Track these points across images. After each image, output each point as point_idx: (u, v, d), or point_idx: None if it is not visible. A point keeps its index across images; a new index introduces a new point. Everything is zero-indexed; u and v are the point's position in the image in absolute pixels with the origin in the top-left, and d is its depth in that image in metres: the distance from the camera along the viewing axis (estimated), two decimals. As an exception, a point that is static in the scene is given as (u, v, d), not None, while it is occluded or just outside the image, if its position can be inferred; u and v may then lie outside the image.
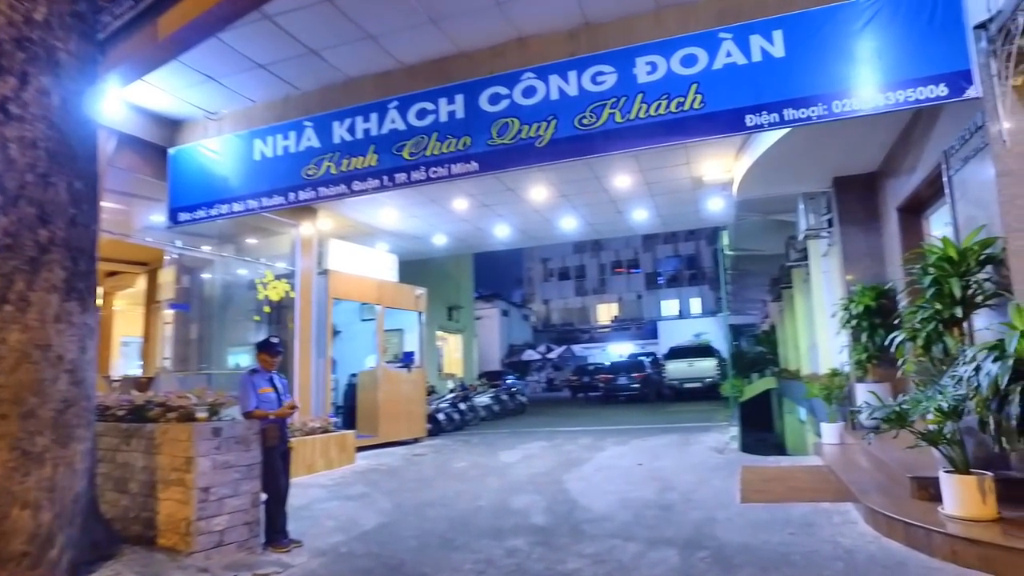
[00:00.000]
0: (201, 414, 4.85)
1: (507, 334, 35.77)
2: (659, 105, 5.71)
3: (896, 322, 7.86)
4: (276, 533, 5.05)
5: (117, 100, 6.88)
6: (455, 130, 6.37)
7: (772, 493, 6.39)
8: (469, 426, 14.66)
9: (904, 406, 4.71)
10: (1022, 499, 4.57)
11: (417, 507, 6.59)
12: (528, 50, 6.46)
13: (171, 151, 7.76)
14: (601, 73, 5.95)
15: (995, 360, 3.96)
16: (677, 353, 21.14)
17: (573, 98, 6.00)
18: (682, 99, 5.65)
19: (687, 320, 36.26)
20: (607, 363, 29.88)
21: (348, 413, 11.36)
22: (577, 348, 37.42)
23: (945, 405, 4.21)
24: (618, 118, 5.83)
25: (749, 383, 20.08)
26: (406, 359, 12.40)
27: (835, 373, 8.86)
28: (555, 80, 6.09)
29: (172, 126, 8.00)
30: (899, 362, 5.67)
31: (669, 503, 6.27)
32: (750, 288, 23.48)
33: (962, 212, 5.66)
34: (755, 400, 19.80)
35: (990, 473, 4.49)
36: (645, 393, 20.43)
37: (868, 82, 5.13)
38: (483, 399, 16.25)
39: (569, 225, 11.92)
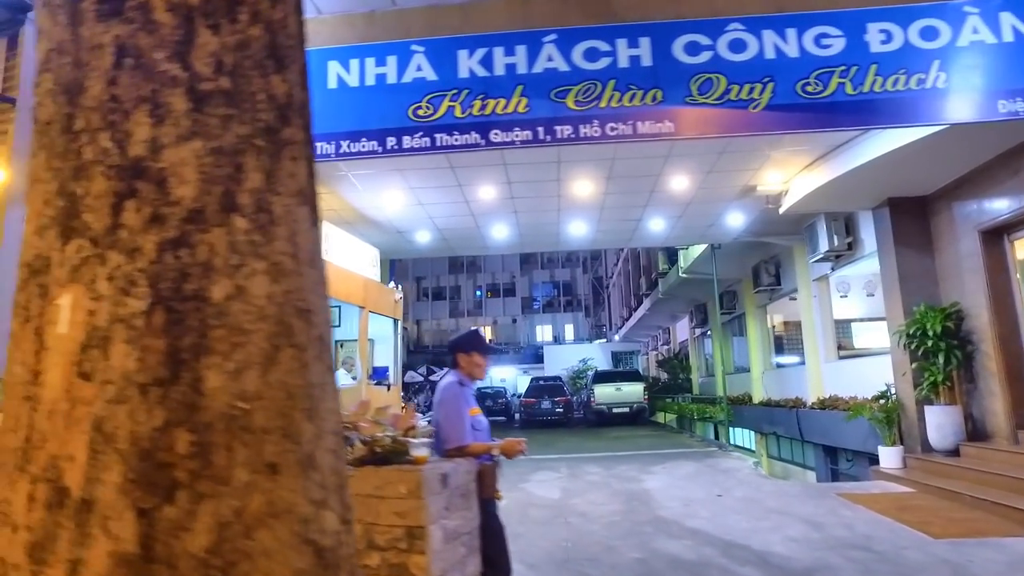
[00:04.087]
0: (421, 452, 2.98)
1: (382, 354, 33.20)
2: (897, 80, 4.96)
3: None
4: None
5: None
6: (641, 80, 5.08)
7: (942, 527, 5.77)
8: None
9: None
10: None
11: (557, 561, 5.01)
12: (720, -2, 5.41)
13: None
14: (826, 36, 5.07)
15: None
16: (604, 377, 20.68)
17: (793, 60, 5.05)
18: (923, 75, 4.95)
19: (568, 345, 36.42)
20: (503, 386, 28.96)
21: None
22: (459, 371, 35.64)
23: None
24: (849, 89, 4.98)
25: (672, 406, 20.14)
26: (379, 375, 10.35)
27: (883, 396, 8.71)
28: (769, 36, 5.10)
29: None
30: None
31: (850, 541, 5.38)
32: (657, 315, 24.01)
33: None
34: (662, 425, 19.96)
35: None
36: (568, 418, 19.67)
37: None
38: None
39: (578, 231, 10.79)
